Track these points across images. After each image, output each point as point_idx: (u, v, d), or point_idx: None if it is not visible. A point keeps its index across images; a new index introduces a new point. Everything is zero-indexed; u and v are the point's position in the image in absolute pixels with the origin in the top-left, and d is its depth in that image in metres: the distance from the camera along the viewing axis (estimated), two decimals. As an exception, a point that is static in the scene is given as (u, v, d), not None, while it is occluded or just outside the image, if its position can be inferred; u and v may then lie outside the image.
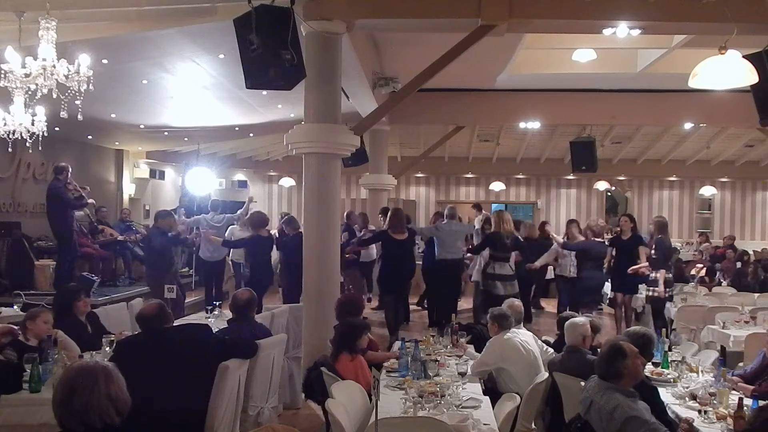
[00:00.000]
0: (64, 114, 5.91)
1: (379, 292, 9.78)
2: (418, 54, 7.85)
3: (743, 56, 5.03)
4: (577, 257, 9.31)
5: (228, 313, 5.63)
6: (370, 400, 3.89)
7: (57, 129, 8.25)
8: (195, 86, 8.74)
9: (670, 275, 8.99)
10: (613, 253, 9.39)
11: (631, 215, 9.70)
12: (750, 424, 2.85)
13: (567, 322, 4.86)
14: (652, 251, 8.76)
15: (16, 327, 4.75)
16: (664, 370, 4.87)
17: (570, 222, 10.01)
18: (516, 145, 16.04)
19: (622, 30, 6.52)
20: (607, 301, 11.04)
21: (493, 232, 8.85)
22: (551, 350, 5.39)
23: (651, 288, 8.68)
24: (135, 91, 8.77)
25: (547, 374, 4.53)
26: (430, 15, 6.19)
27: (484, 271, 8.74)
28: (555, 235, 10.15)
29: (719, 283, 11.60)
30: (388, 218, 9.11)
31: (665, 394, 4.27)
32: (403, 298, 9.46)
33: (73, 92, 5.73)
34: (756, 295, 9.39)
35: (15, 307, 7.25)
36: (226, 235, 10.21)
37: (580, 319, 4.90)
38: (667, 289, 8.66)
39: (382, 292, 9.28)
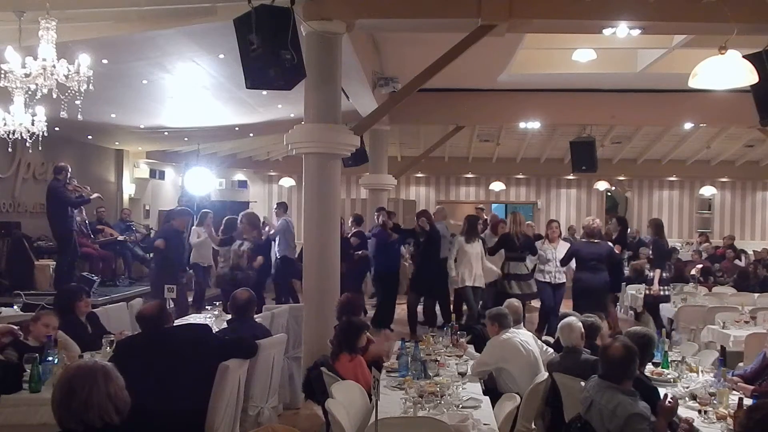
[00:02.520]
0: (64, 114, 5.92)
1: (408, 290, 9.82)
2: (418, 54, 7.85)
3: (743, 56, 5.02)
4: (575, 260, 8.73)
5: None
6: (370, 400, 3.88)
7: (57, 129, 8.25)
8: (195, 86, 8.73)
9: (666, 274, 8.93)
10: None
11: (620, 217, 9.83)
12: (744, 426, 2.82)
13: (561, 323, 4.85)
14: (650, 252, 8.79)
15: (16, 327, 4.75)
16: (664, 370, 4.87)
17: (549, 223, 9.36)
18: (516, 145, 16.04)
19: (622, 30, 6.52)
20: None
21: (505, 233, 9.04)
22: (551, 350, 5.38)
23: (648, 288, 8.70)
24: (135, 91, 8.77)
25: (546, 374, 4.53)
26: (430, 15, 6.19)
27: (501, 270, 8.90)
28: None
29: (721, 283, 11.63)
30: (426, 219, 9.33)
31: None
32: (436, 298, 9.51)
33: (73, 92, 5.73)
34: (756, 295, 9.39)
35: (15, 307, 7.26)
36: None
37: (573, 318, 4.90)
38: (662, 288, 8.66)
39: (419, 291, 9.33)
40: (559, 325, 4.88)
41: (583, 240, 8.37)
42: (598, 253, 8.08)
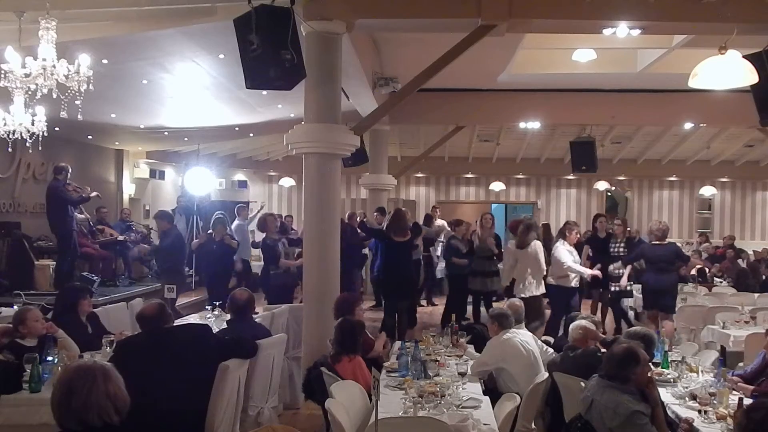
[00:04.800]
0: (64, 114, 5.92)
1: (379, 294, 9.77)
2: (418, 54, 7.85)
3: (743, 56, 5.03)
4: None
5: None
6: (370, 400, 3.89)
7: (57, 129, 8.25)
8: (195, 86, 8.73)
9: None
10: (590, 252, 9.65)
11: (607, 216, 10.10)
12: (742, 427, 2.79)
13: (572, 322, 4.92)
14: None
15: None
16: (664, 370, 4.87)
17: (567, 224, 8.97)
18: (516, 145, 16.04)
19: (622, 30, 6.52)
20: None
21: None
22: (551, 350, 5.39)
23: (612, 284, 8.94)
24: (135, 91, 8.76)
25: (546, 374, 4.53)
26: (430, 15, 6.18)
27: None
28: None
29: (716, 276, 11.71)
30: (388, 220, 9.14)
31: (665, 394, 4.27)
32: (408, 302, 9.33)
33: (73, 92, 5.73)
34: (756, 295, 9.40)
35: (15, 307, 7.23)
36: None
37: (585, 320, 4.96)
38: (628, 283, 8.94)
39: (384, 296, 9.26)
40: (570, 326, 4.95)
41: (654, 243, 8.34)
42: (665, 255, 8.19)
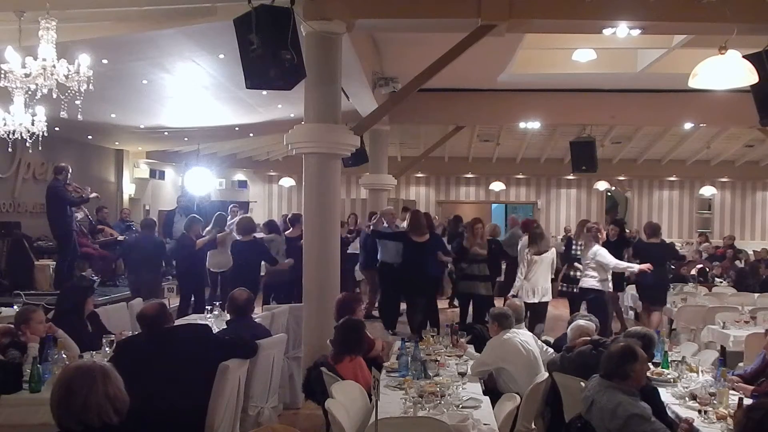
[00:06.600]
0: (64, 114, 5.93)
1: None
2: (418, 54, 7.85)
3: (743, 56, 5.02)
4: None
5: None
6: (370, 400, 3.88)
7: (57, 129, 8.26)
8: (195, 86, 8.74)
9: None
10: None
11: (620, 221, 10.50)
12: (742, 426, 2.79)
13: (572, 324, 4.93)
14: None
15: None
16: (664, 370, 4.87)
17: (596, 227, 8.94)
18: (516, 145, 16.05)
19: (622, 30, 6.53)
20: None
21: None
22: (551, 350, 5.39)
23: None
24: (135, 91, 8.77)
25: (546, 374, 4.53)
26: (430, 15, 6.19)
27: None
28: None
29: (715, 276, 11.70)
30: (408, 220, 9.21)
31: (665, 394, 4.27)
32: (428, 302, 9.15)
33: (73, 92, 5.74)
34: (756, 295, 9.40)
35: (15, 307, 7.24)
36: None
37: (584, 321, 4.96)
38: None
39: (404, 294, 9.23)
40: (570, 326, 4.98)
41: (647, 241, 8.66)
42: (657, 252, 8.50)
